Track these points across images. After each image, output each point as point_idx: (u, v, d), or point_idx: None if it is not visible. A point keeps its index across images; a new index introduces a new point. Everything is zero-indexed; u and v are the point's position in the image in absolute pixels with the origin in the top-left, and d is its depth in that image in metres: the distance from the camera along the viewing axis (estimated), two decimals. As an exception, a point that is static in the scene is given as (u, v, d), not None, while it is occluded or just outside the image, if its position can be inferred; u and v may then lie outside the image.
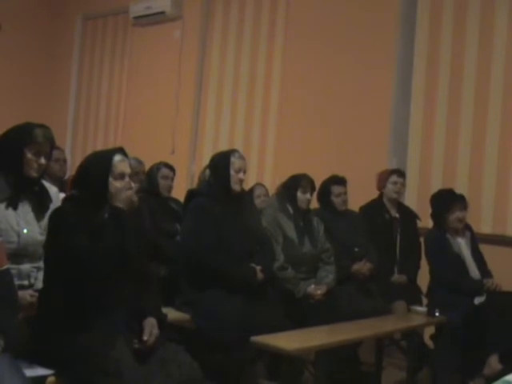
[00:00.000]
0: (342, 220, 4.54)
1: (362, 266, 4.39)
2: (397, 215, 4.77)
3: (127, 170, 2.76)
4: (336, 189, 4.54)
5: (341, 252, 4.36)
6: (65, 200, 2.83)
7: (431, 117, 5.26)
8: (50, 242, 2.71)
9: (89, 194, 2.68)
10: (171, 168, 4.84)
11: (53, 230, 2.69)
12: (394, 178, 4.74)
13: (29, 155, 2.82)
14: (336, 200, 4.54)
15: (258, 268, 3.70)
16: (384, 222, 4.69)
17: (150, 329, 2.57)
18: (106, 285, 2.57)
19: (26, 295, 2.69)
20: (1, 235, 2.36)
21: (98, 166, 2.73)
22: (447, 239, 4.38)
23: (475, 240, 4.52)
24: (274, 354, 3.14)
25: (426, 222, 4.83)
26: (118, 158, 2.74)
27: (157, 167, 4.75)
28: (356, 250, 4.47)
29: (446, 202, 4.42)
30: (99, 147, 7.26)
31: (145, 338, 2.53)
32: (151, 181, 4.65)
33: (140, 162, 4.62)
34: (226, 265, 3.62)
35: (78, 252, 2.54)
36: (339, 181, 4.57)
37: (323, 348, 3.25)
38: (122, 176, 2.72)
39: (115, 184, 2.70)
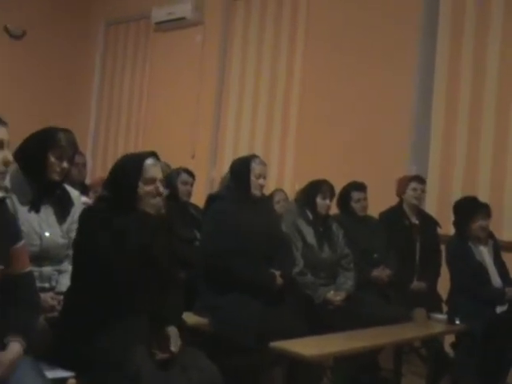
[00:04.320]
0: (362, 226, 4.53)
1: (382, 273, 4.38)
2: (416, 222, 4.74)
3: (158, 175, 2.72)
4: (356, 194, 4.53)
5: (360, 258, 4.34)
6: (96, 200, 2.85)
7: (452, 123, 5.23)
8: (78, 241, 2.73)
9: (118, 196, 2.67)
10: (191, 173, 4.85)
11: (80, 230, 2.71)
12: (413, 184, 4.71)
13: (52, 159, 2.84)
14: (356, 206, 4.53)
15: (278, 273, 3.70)
16: (403, 229, 4.67)
17: (176, 339, 2.56)
18: (129, 288, 2.58)
19: (48, 298, 2.72)
20: (24, 238, 2.38)
21: (128, 168, 2.71)
22: (469, 247, 4.35)
23: (498, 248, 4.48)
24: (293, 359, 3.13)
25: (446, 228, 4.80)
26: (149, 161, 2.71)
27: (177, 172, 4.76)
28: (375, 256, 4.46)
29: (470, 210, 4.39)
30: (120, 152, 7.31)
31: (173, 349, 2.52)
32: (170, 186, 4.67)
33: (168, 166, 4.63)
34: (245, 270, 3.62)
35: (101, 253, 2.55)
36: (359, 186, 4.56)
37: (342, 354, 3.24)
38: (152, 181, 2.68)
39: (144, 188, 2.67)
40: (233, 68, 6.70)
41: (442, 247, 4.63)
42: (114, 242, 2.56)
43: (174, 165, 4.91)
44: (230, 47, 6.75)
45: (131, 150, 7.22)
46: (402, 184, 4.77)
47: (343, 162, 5.58)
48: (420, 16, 5.40)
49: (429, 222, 4.79)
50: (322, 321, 3.78)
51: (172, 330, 2.59)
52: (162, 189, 2.73)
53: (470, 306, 4.13)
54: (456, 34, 5.24)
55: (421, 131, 5.39)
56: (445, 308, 4.43)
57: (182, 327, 2.70)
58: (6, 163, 2.17)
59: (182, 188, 4.72)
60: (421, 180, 4.78)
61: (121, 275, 2.55)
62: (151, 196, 2.68)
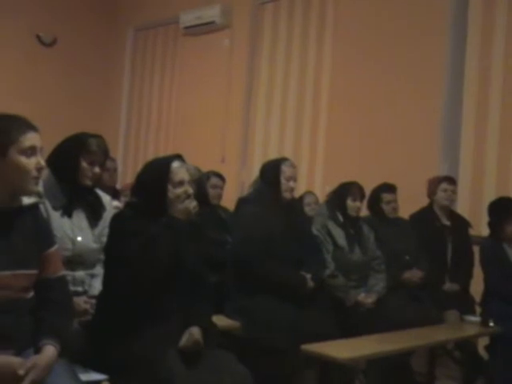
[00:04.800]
0: (393, 227, 4.50)
1: (413, 274, 4.35)
2: (448, 223, 4.69)
3: (186, 177, 2.74)
4: (386, 196, 4.51)
5: (391, 260, 4.31)
6: (126, 205, 2.87)
7: (483, 122, 5.17)
8: (108, 246, 2.76)
9: (147, 201, 2.69)
10: (221, 177, 4.87)
11: (111, 235, 2.73)
12: (444, 185, 4.67)
13: (83, 164, 2.87)
14: (386, 207, 4.51)
15: (308, 276, 3.70)
16: (435, 230, 4.62)
17: (188, 336, 2.56)
18: (159, 293, 2.59)
19: (81, 301, 2.74)
20: (57, 243, 2.41)
21: (156, 172, 2.73)
22: (503, 249, 4.30)
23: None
24: (324, 362, 3.12)
25: (478, 229, 4.75)
26: (176, 164, 2.72)
27: (207, 176, 4.78)
28: (407, 257, 4.43)
29: (505, 211, 4.33)
30: (150, 156, 7.35)
31: (181, 344, 2.53)
32: (200, 189, 4.68)
33: (199, 170, 4.66)
34: (276, 273, 3.63)
35: (130, 258, 2.57)
36: (389, 188, 4.54)
37: (374, 357, 3.22)
38: (181, 183, 2.70)
39: (174, 191, 2.68)
40: (261, 71, 6.71)
41: (475, 248, 4.58)
42: (143, 248, 2.57)
43: (204, 169, 4.93)
44: (258, 50, 6.76)
45: (161, 154, 7.21)
46: (433, 185, 4.73)
47: (373, 163, 5.55)
48: (449, 13, 5.34)
49: (460, 223, 4.74)
50: (353, 323, 3.76)
51: (192, 330, 2.59)
52: (191, 191, 2.74)
53: (504, 307, 4.08)
54: (486, 31, 5.18)
55: (451, 131, 5.33)
56: (478, 310, 4.38)
57: (212, 330, 2.70)
58: (39, 169, 2.20)
59: (212, 191, 4.74)
60: (451, 181, 4.73)
61: (149, 281, 2.56)
62: (181, 199, 2.69)
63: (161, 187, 2.67)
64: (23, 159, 2.14)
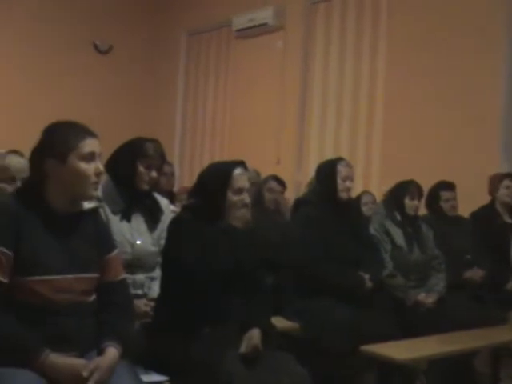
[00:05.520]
0: (452, 226, 4.43)
1: (474, 274, 4.27)
2: (510, 220, 4.60)
3: (246, 185, 2.73)
4: (445, 194, 4.44)
5: (451, 259, 4.24)
6: (184, 208, 2.90)
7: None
8: (166, 249, 2.79)
9: (206, 205, 2.70)
10: (280, 182, 4.86)
11: (169, 238, 2.77)
12: (506, 182, 4.58)
13: (141, 169, 2.92)
14: (445, 206, 4.44)
15: (367, 276, 3.67)
16: (497, 228, 4.54)
17: (248, 341, 2.56)
18: (217, 297, 2.61)
19: (141, 304, 2.79)
20: (117, 247, 2.45)
21: (217, 177, 2.73)
22: None
23: None
24: (384, 363, 3.09)
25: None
26: (238, 171, 2.72)
27: (265, 179, 4.79)
28: (467, 256, 4.35)
29: None
30: (206, 160, 7.43)
31: (241, 350, 2.53)
32: (257, 192, 4.70)
33: (258, 174, 4.68)
34: (333, 273, 3.61)
35: (187, 262, 2.59)
36: (448, 186, 4.47)
37: (435, 357, 3.17)
38: (240, 191, 2.70)
39: (232, 198, 2.68)
40: (315, 71, 6.68)
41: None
42: (199, 253, 2.59)
43: (260, 171, 4.95)
44: (311, 51, 6.73)
45: (217, 157, 7.33)
46: (494, 182, 4.64)
47: (430, 161, 5.46)
48: (506, 15, 5.22)
49: (523, 221, 4.64)
50: (413, 323, 3.71)
51: (247, 334, 2.59)
52: (248, 200, 2.73)
53: None
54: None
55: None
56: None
57: (271, 331, 2.70)
58: (99, 174, 2.24)
59: (267, 195, 4.75)
60: (514, 177, 4.63)
61: (203, 285, 2.58)
62: (238, 207, 2.70)
63: (221, 192, 2.68)
64: (83, 165, 2.18)
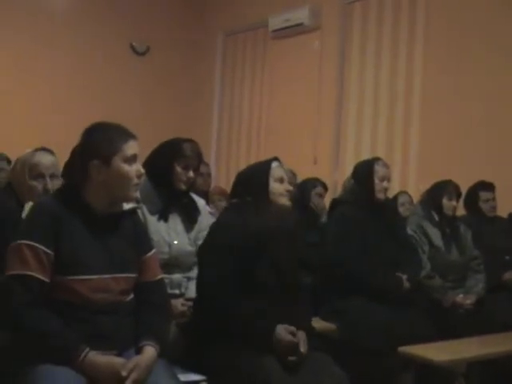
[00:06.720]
0: (491, 227, 4.39)
1: (514, 275, 4.22)
2: (550, 221, 4.54)
3: (285, 176, 2.83)
4: (484, 194, 4.40)
5: (490, 260, 4.19)
6: (224, 210, 2.93)
7: None
8: (203, 249, 2.81)
9: (251, 199, 2.75)
10: (325, 186, 4.96)
11: (208, 239, 2.79)
12: (546, 181, 4.51)
13: (178, 169, 2.94)
14: (484, 206, 4.39)
15: (404, 277, 3.64)
16: (537, 229, 4.47)
17: (304, 343, 2.56)
18: (251, 294, 2.62)
19: (178, 304, 2.80)
20: (154, 247, 2.47)
21: (258, 170, 2.84)
22: None
23: None
24: (422, 364, 3.06)
25: None
26: (275, 164, 2.83)
27: (313, 184, 4.87)
28: (507, 257, 4.29)
29: None
30: (242, 160, 7.45)
31: (302, 349, 2.53)
32: (303, 194, 4.76)
33: (294, 174, 4.73)
34: (371, 275, 3.59)
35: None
36: (487, 186, 4.42)
37: (475, 360, 3.13)
38: (281, 180, 2.79)
39: (275, 185, 2.77)
40: (352, 71, 6.64)
41: None
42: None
43: (297, 171, 4.96)
44: (348, 51, 6.70)
45: (253, 157, 7.33)
46: (534, 182, 4.57)
47: (468, 160, 5.39)
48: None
49: None
50: (451, 325, 3.67)
51: (301, 335, 2.59)
52: (290, 187, 2.84)
53: None
54: None
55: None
56: None
57: (311, 332, 2.70)
58: (140, 176, 2.26)
59: (316, 199, 4.82)
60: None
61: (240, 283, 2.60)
62: (282, 194, 2.77)
63: (264, 181, 2.76)
64: (126, 167, 2.21)
